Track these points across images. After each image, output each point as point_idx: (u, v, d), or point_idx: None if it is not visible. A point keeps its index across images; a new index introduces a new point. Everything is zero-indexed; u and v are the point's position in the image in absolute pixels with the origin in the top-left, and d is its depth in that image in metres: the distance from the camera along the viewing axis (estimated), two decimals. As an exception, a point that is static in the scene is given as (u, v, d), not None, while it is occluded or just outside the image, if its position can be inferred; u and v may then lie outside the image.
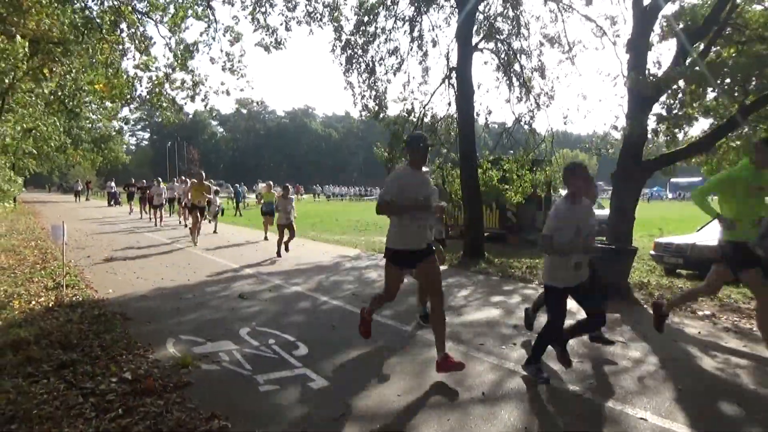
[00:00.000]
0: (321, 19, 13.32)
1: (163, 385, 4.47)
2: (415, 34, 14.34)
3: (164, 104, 13.46)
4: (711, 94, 9.92)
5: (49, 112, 16.52)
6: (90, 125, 28.24)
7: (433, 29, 14.82)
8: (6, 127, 16.44)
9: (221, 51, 12.60)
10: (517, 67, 13.89)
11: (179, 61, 12.29)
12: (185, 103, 12.73)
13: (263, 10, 12.40)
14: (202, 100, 12.93)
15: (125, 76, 13.58)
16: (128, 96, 13.68)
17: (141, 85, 13.26)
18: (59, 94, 14.20)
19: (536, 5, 35.50)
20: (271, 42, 12.70)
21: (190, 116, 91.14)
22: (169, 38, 12.22)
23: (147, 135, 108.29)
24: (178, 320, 6.78)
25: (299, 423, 3.96)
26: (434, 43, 14.78)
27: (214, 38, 12.44)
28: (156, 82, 12.65)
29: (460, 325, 6.72)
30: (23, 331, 5.83)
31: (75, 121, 23.20)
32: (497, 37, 13.99)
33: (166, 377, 4.66)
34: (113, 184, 40.36)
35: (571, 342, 5.95)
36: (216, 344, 5.74)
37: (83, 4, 11.34)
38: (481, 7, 13.61)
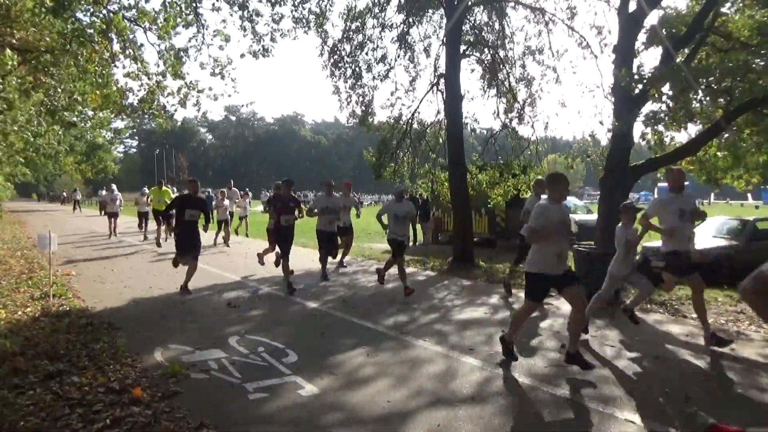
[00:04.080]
0: (307, 24, 13.32)
1: (152, 394, 4.44)
2: (404, 43, 14.42)
3: (156, 112, 13.41)
4: (696, 100, 10.06)
5: (39, 123, 16.32)
6: (80, 135, 27.84)
7: (423, 39, 14.88)
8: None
9: (209, 57, 12.54)
10: (502, 75, 14.02)
11: (171, 69, 12.25)
12: (176, 109, 12.68)
13: (251, 18, 12.39)
14: (194, 105, 12.88)
15: (116, 86, 13.51)
16: (122, 105, 13.58)
17: (132, 94, 13.21)
18: (48, 104, 14.08)
19: (521, 17, 35.88)
20: (259, 49, 12.70)
21: (179, 123, 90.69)
22: (159, 45, 12.19)
23: (135, 143, 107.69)
24: (166, 329, 6.74)
25: (289, 431, 3.95)
26: (427, 54, 14.84)
27: (203, 42, 12.35)
28: (148, 89, 12.59)
29: (449, 329, 6.74)
30: (9, 341, 5.76)
31: (67, 130, 22.95)
32: (484, 45, 14.12)
33: (154, 387, 4.63)
34: (104, 192, 39.92)
35: (560, 345, 6.00)
36: (205, 352, 5.71)
37: (73, 16, 11.27)
38: (469, 16, 13.73)
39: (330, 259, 10.83)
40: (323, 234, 10.31)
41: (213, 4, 12.23)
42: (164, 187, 17.21)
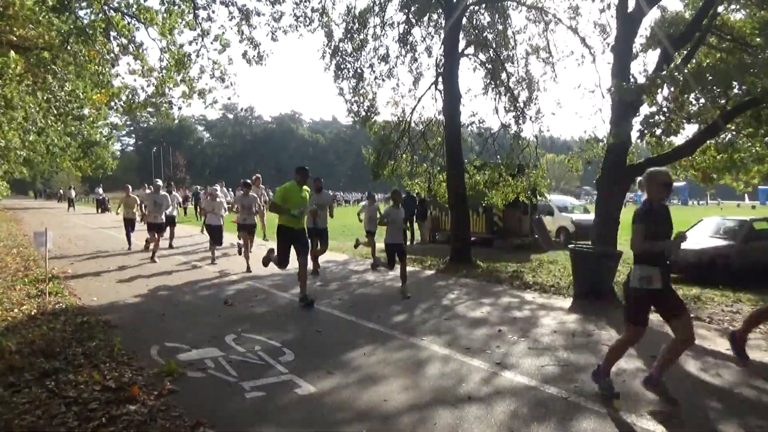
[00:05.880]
0: (310, 24, 13.32)
1: (148, 393, 4.42)
2: (406, 42, 14.42)
3: (164, 108, 13.41)
4: (695, 100, 10.07)
5: (40, 120, 16.24)
6: (77, 131, 27.75)
7: (424, 39, 14.88)
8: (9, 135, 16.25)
9: (208, 59, 12.46)
10: (503, 74, 14.02)
11: (174, 67, 12.23)
12: (187, 104, 12.65)
13: (250, 23, 12.38)
14: (200, 97, 12.83)
15: (122, 82, 13.48)
16: (131, 103, 13.49)
17: (143, 90, 13.15)
18: (53, 100, 14.02)
19: (522, 16, 35.94)
20: (254, 56, 12.70)
21: (177, 121, 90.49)
22: (160, 40, 12.17)
23: (132, 141, 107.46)
24: (162, 327, 6.72)
25: (286, 430, 3.94)
26: (428, 53, 14.81)
27: (203, 46, 12.30)
28: (157, 84, 12.56)
29: (447, 328, 6.73)
30: (5, 339, 5.74)
31: (65, 129, 22.90)
32: (484, 44, 14.12)
33: (150, 385, 4.61)
34: (101, 190, 39.80)
35: (557, 344, 6.00)
36: (201, 351, 5.69)
37: (75, 16, 11.23)
38: (468, 15, 13.73)
39: None
40: None
41: (208, 15, 12.27)
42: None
